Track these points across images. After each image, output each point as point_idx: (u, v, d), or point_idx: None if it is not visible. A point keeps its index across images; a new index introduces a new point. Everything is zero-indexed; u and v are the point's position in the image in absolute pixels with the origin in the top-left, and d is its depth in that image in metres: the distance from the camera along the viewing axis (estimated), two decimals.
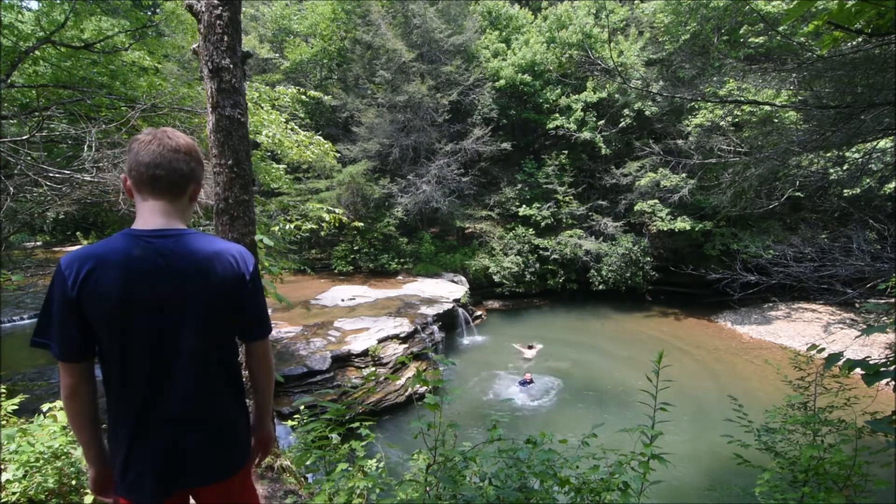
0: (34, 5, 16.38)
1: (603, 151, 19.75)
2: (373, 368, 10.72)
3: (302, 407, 4.39)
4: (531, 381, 12.08)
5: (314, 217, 7.56)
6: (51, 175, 4.86)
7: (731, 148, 9.00)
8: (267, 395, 1.97)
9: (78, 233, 23.32)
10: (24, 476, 3.20)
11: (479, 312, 18.58)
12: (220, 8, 3.63)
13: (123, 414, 1.53)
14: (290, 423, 4.59)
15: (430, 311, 14.12)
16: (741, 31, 16.21)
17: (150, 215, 1.57)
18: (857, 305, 14.40)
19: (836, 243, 8.77)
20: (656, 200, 18.47)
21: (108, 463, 1.62)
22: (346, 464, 3.29)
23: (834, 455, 2.99)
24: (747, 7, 15.60)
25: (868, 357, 2.21)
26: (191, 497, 1.73)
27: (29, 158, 4.88)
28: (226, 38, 3.70)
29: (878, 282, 6.59)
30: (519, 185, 21.47)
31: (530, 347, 13.77)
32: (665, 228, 18.18)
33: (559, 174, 20.81)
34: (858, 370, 2.18)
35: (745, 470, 3.67)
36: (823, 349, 2.95)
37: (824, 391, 3.86)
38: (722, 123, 16.07)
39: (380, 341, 11.34)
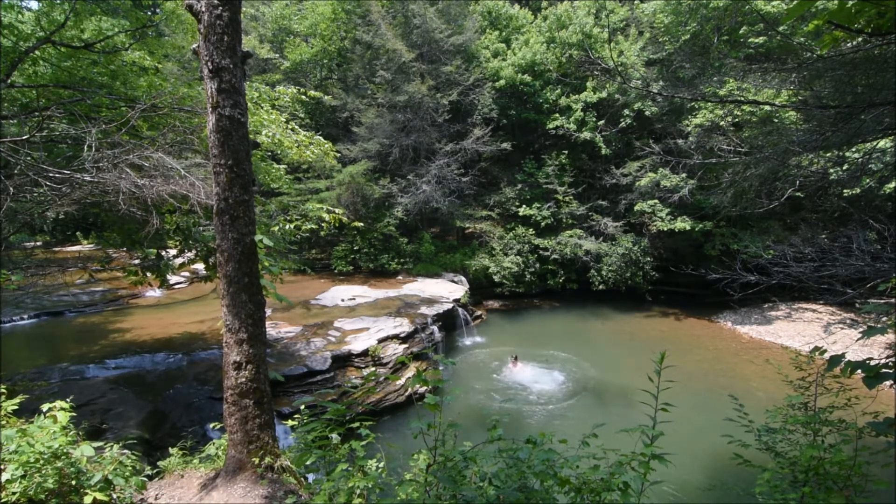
0: (34, 5, 16.37)
1: (603, 151, 19.75)
2: (373, 368, 10.72)
3: (302, 407, 4.39)
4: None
5: (314, 217, 7.56)
6: (51, 175, 4.86)
7: (731, 148, 9.00)
8: None
9: (78, 233, 23.35)
10: (24, 476, 3.19)
11: (479, 312, 18.58)
12: (220, 8, 3.64)
13: None
14: (290, 423, 4.59)
15: (430, 311, 14.12)
16: (741, 31, 16.20)
17: None
18: (857, 306, 14.40)
19: (836, 243, 8.77)
20: (656, 200, 18.47)
21: None
22: (346, 464, 3.29)
23: (834, 455, 2.99)
24: (747, 7, 15.61)
25: (869, 358, 2.21)
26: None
27: (29, 158, 4.88)
28: (226, 38, 3.70)
29: (878, 282, 6.59)
30: (519, 185, 21.47)
31: (514, 361, 13.64)
32: (665, 228, 18.18)
33: (559, 174, 20.81)
34: (859, 371, 2.18)
35: (745, 470, 3.67)
36: (825, 351, 2.95)
37: (825, 391, 3.86)
38: (722, 123, 16.07)
39: (380, 341, 11.34)
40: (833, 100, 4.97)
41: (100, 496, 3.39)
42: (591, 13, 20.46)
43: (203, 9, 3.63)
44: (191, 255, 6.95)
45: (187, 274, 16.50)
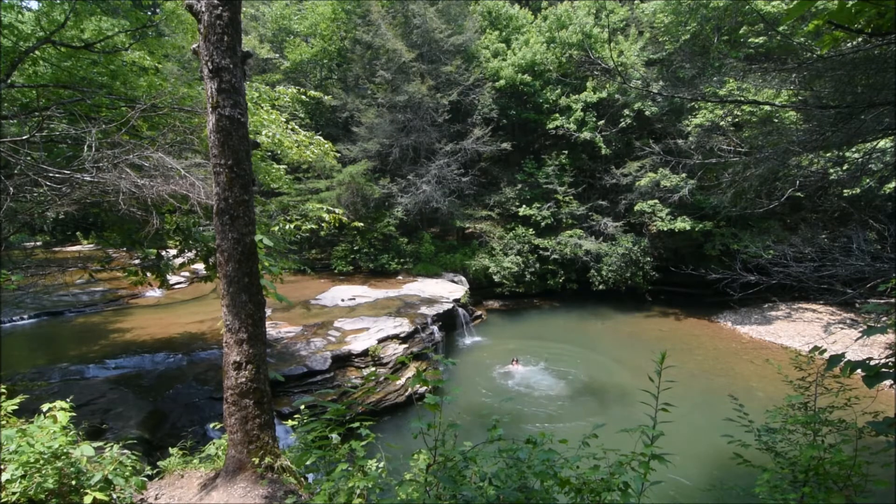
0: (34, 5, 16.37)
1: (603, 151, 19.75)
2: (373, 368, 10.72)
3: (302, 407, 4.39)
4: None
5: (314, 217, 7.56)
6: (51, 175, 4.85)
7: (731, 148, 9.00)
8: None
9: (78, 233, 23.34)
10: (24, 476, 3.19)
11: (479, 312, 18.58)
12: (220, 8, 3.64)
13: None
14: (290, 423, 4.59)
15: (430, 311, 14.12)
16: (741, 31, 16.20)
17: None
18: (857, 305, 14.40)
19: (836, 243, 8.77)
20: (656, 200, 18.47)
21: None
22: (346, 464, 3.29)
23: (834, 455, 2.98)
24: (747, 7, 15.61)
25: (869, 358, 2.21)
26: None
27: (29, 158, 4.87)
28: (226, 38, 3.70)
29: (878, 282, 6.59)
30: (519, 185, 21.47)
31: (515, 362, 13.73)
32: (665, 228, 18.18)
33: (559, 174, 20.81)
34: (859, 371, 2.18)
35: (745, 470, 3.67)
36: (825, 350, 2.95)
37: (825, 391, 3.86)
38: (722, 123, 16.07)
39: (380, 341, 11.33)
40: (833, 100, 4.97)
41: (100, 496, 3.39)
42: (591, 13, 20.46)
43: (203, 9, 3.63)
44: (191, 255, 6.96)
45: (187, 274, 16.51)
